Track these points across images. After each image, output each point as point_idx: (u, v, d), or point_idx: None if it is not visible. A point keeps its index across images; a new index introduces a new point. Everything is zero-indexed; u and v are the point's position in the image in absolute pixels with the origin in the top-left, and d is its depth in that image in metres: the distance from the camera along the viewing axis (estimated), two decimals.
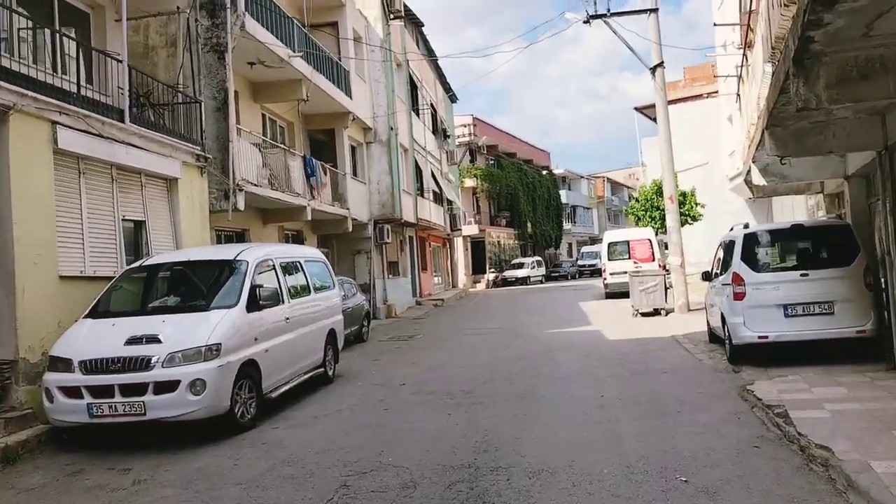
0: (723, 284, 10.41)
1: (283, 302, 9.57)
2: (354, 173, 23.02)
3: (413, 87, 28.27)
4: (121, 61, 10.54)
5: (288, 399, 9.58)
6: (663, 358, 11.66)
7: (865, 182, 11.41)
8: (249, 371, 8.34)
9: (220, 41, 14.04)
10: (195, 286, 9.16)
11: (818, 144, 8.68)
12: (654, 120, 47.02)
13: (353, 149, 23.15)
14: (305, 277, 10.74)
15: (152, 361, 7.58)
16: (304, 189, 17.56)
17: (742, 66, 14.39)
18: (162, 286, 9.40)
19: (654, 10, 19.77)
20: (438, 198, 32.58)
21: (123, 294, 9.16)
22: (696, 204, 37.07)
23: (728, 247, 10.81)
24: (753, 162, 11.67)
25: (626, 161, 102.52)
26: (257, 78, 17.29)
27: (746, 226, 10.18)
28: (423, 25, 30.68)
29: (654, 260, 26.79)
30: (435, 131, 32.87)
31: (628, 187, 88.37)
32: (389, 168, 23.61)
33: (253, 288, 8.71)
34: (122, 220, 10.58)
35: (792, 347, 9.69)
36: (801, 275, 9.41)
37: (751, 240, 9.84)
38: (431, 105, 32.04)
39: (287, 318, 9.57)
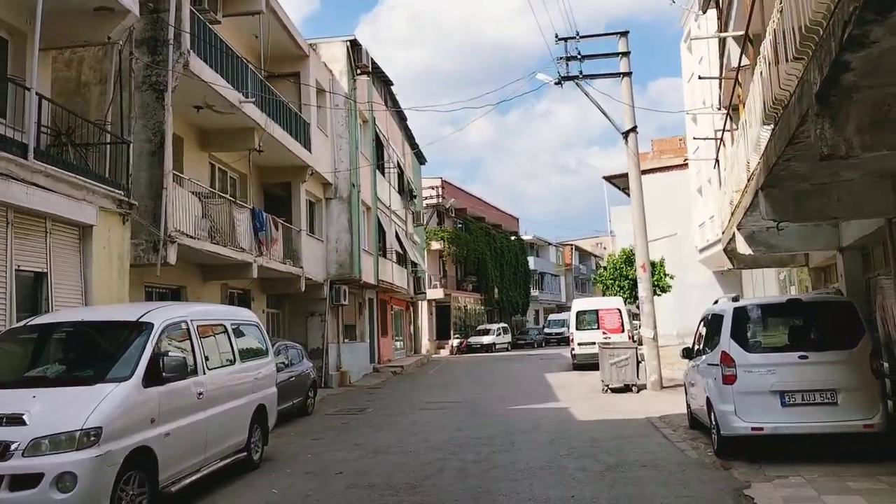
0: (709, 365, 9.17)
1: (197, 373, 8.05)
2: (311, 230, 21.68)
3: (379, 145, 27.31)
4: (28, 89, 9.19)
5: (197, 491, 7.96)
6: (641, 447, 10.27)
7: (862, 255, 10.42)
8: (141, 460, 6.76)
9: (159, 79, 12.84)
10: (86, 352, 7.63)
11: (820, 209, 7.62)
12: (624, 190, 46.89)
13: (310, 204, 21.88)
14: (231, 344, 9.24)
15: (11, 449, 6.01)
16: (251, 244, 16.15)
17: (724, 128, 13.58)
18: (50, 351, 7.84)
19: (628, 74, 19.14)
20: (402, 259, 31.31)
21: (1, 359, 7.59)
22: (665, 275, 36.38)
23: (713, 322, 9.62)
24: (738, 229, 10.63)
25: (594, 230, 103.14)
26: (206, 124, 16.07)
27: (735, 298, 9.00)
28: (391, 84, 29.99)
29: (623, 331, 25.66)
30: (401, 191, 31.84)
31: (596, 256, 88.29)
32: (349, 226, 22.34)
33: (155, 357, 7.19)
34: (17, 270, 9.05)
35: (790, 441, 8.41)
36: (800, 357, 8.21)
37: (741, 315, 8.66)
38: (398, 164, 31.11)
39: (201, 394, 8.03)
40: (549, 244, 73.97)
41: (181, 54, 12.86)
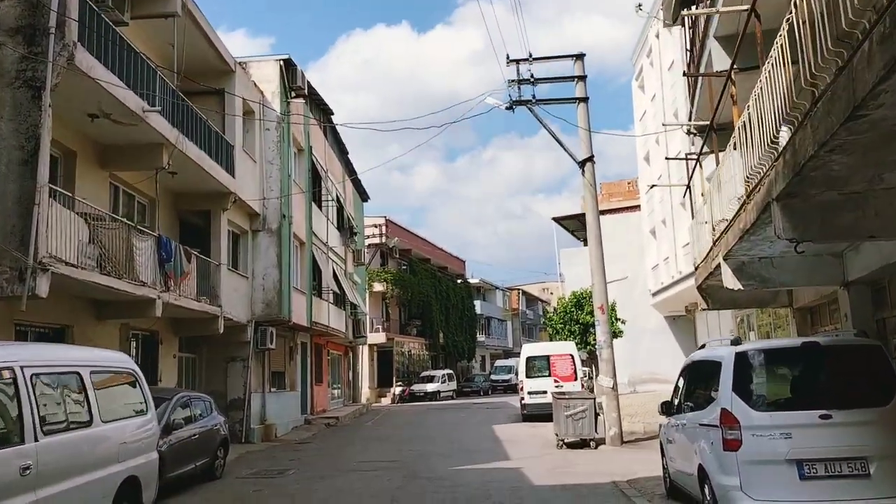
0: (701, 425, 7.34)
1: (21, 442, 5.81)
2: (234, 265, 19.40)
3: (316, 176, 25.31)
4: None
5: None
6: None
7: (872, 291, 8.85)
8: None
9: (36, 75, 10.65)
10: None
11: (853, 225, 5.96)
12: (573, 232, 45.84)
13: (234, 236, 19.64)
14: (87, 398, 7.00)
15: None
16: (155, 278, 13.85)
17: (700, 150, 12.11)
18: None
19: (584, 100, 17.76)
20: (340, 300, 29.07)
21: None
22: (617, 319, 35.00)
23: (703, 371, 7.85)
24: (726, 259, 8.95)
25: (542, 274, 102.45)
26: (105, 137, 13.85)
27: (736, 341, 7.22)
28: (332, 114, 28.21)
29: (576, 379, 23.87)
30: (340, 227, 29.78)
31: (543, 301, 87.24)
32: (279, 261, 20.13)
33: None
34: None
35: None
36: (822, 416, 6.45)
37: (745, 362, 6.88)
38: (337, 198, 29.10)
39: (26, 469, 5.78)
40: (496, 288, 72.48)
41: (65, 46, 10.72)
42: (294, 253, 22.30)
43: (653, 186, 21.79)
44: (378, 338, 42.43)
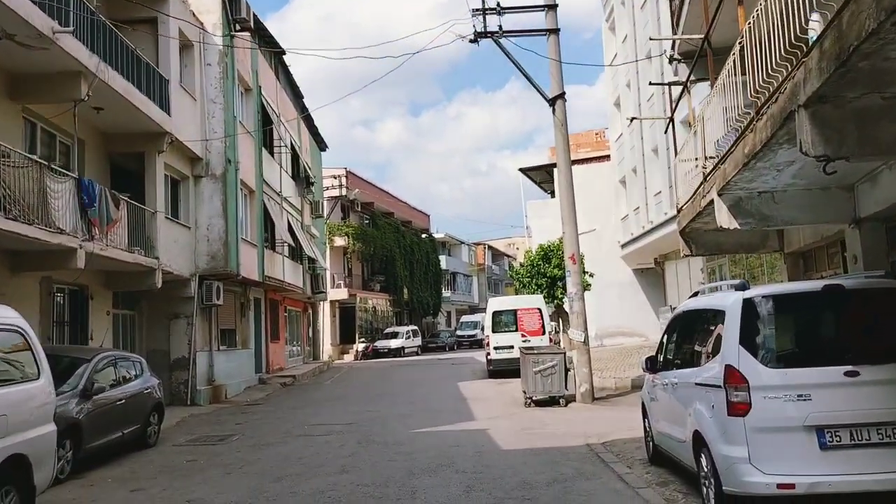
0: (698, 385, 6.21)
1: None
2: (175, 213, 17.79)
3: (267, 121, 23.54)
4: None
5: None
6: (591, 497, 7.26)
7: (885, 228, 7.76)
8: None
9: None
10: None
11: None
12: (541, 184, 44.60)
13: (174, 182, 17.98)
14: None
15: None
16: (76, 225, 12.28)
17: (688, 78, 10.84)
18: None
19: (555, 31, 16.31)
20: (296, 254, 27.58)
21: None
22: (585, 272, 34.09)
23: (700, 322, 6.72)
24: (721, 195, 7.75)
25: (508, 228, 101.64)
26: (13, 64, 12.09)
27: (742, 286, 6.03)
28: (283, 53, 26.26)
29: (544, 333, 22.94)
30: (295, 176, 28.10)
31: (509, 256, 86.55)
32: (224, 210, 18.53)
33: None
34: None
35: (834, 503, 5.54)
36: (847, 374, 5.35)
37: (754, 311, 5.70)
38: (292, 145, 27.35)
39: None
40: (462, 243, 71.38)
41: None
42: (242, 202, 20.71)
43: (633, 120, 20.44)
44: (340, 294, 41.12)
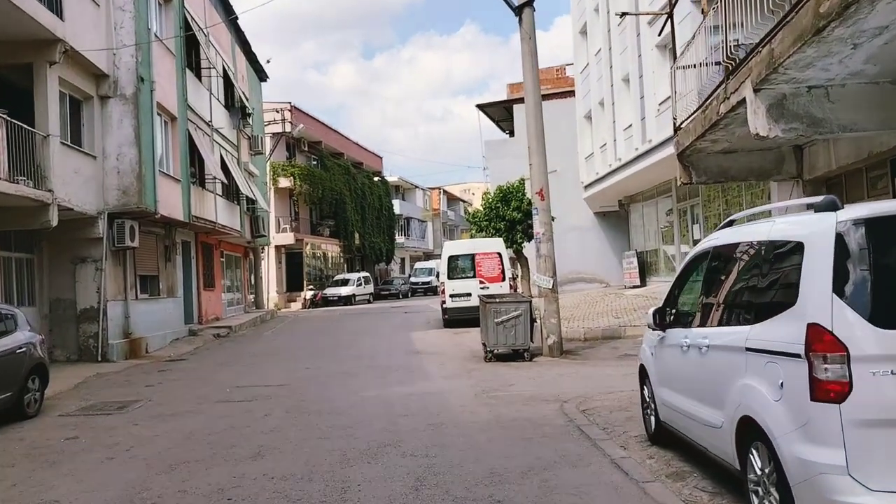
0: (753, 350, 4.26)
1: None
2: (77, 140, 15.15)
3: (193, 41, 20.68)
4: None
5: None
6: (582, 495, 5.37)
7: None
8: None
9: None
10: None
11: None
12: (499, 122, 42.19)
13: (74, 103, 15.27)
14: None
15: None
16: None
17: None
18: None
19: None
20: (232, 193, 25.00)
21: None
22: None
23: (750, 260, 4.73)
24: (758, 91, 5.72)
25: (462, 175, 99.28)
26: None
27: (832, 205, 3.99)
28: None
29: (504, 279, 21.11)
30: (230, 106, 25.30)
31: (465, 201, 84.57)
32: (137, 137, 15.90)
33: None
34: None
35: None
36: None
37: (853, 242, 3.71)
38: (224, 71, 24.46)
39: None
40: (416, 187, 68.98)
41: None
42: (161, 129, 18.06)
43: (624, 15, 18.04)
44: (286, 238, 38.66)
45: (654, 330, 6.18)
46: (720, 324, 4.90)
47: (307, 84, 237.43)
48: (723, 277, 5.04)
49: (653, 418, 6.58)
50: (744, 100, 5.96)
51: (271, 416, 9.11)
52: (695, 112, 8.39)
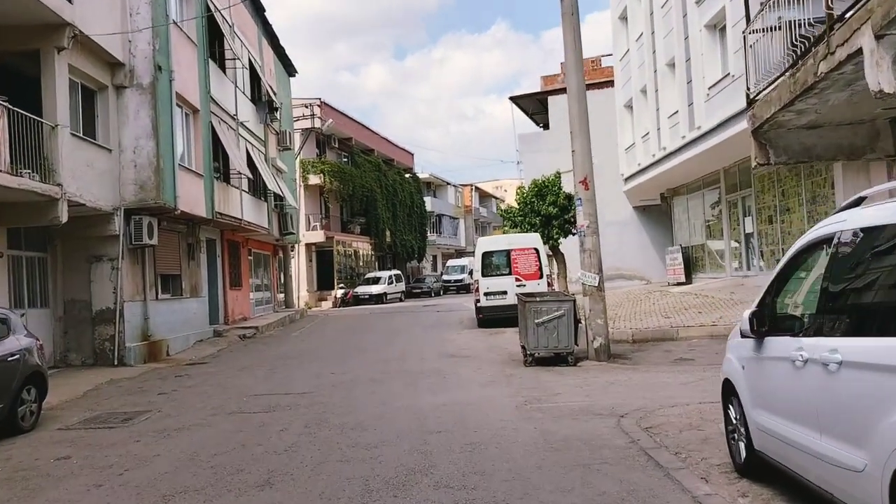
0: None
1: None
2: (91, 133, 14.36)
3: (215, 28, 19.85)
4: None
5: None
6: None
7: None
8: None
9: None
10: None
11: None
12: (532, 115, 40.83)
13: (87, 92, 14.48)
14: None
15: None
16: None
17: None
18: None
19: None
20: (259, 190, 24.18)
21: None
22: None
23: None
24: (881, 37, 4.48)
25: (494, 172, 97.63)
26: None
27: None
28: None
29: (541, 276, 19.93)
30: (256, 100, 24.47)
31: (497, 198, 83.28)
32: (154, 129, 15.07)
33: None
34: None
35: None
36: None
37: None
38: (251, 63, 23.64)
39: None
40: (448, 184, 67.90)
41: None
42: (182, 122, 17.25)
43: None
44: (316, 236, 37.91)
45: (749, 337, 4.97)
46: (859, 333, 3.70)
47: (340, 85, 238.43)
48: (861, 270, 3.82)
49: (742, 445, 5.37)
50: (857, 52, 4.77)
51: (288, 432, 8.08)
52: (778, 77, 7.13)
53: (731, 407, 5.64)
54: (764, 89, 7.81)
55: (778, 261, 19.29)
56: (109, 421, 9.35)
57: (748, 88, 8.57)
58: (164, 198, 15.22)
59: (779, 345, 4.59)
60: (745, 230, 21.17)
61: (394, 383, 11.28)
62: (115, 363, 14.54)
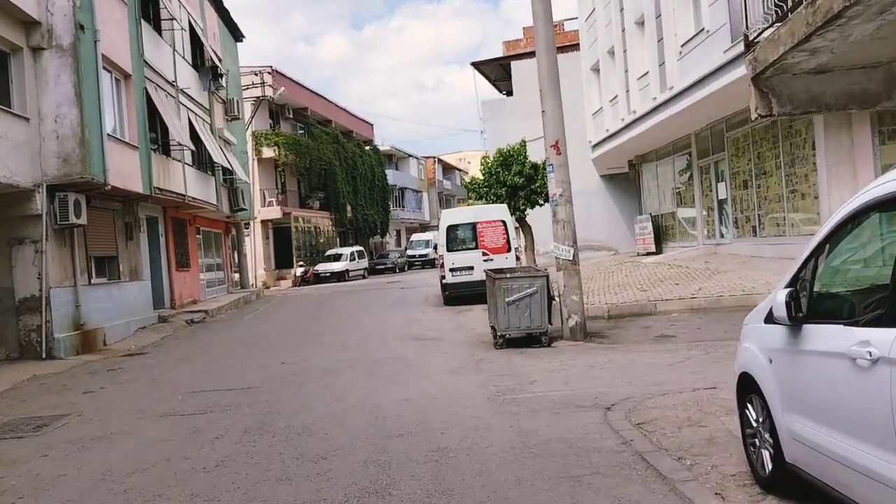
0: None
1: None
2: (6, 100, 12.79)
3: None
4: None
5: None
6: None
7: None
8: None
9: None
10: None
11: None
12: (495, 82, 39.50)
13: None
14: None
15: None
16: None
17: None
18: None
19: None
20: (206, 163, 22.62)
21: None
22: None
23: None
24: None
25: (457, 146, 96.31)
26: None
27: None
28: None
29: (509, 250, 18.92)
30: (199, 66, 22.79)
31: (460, 170, 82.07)
32: (78, 96, 13.51)
33: None
34: None
35: None
36: None
37: None
38: (192, 26, 21.92)
39: None
40: (410, 156, 66.40)
41: None
42: (112, 88, 15.67)
43: None
44: (272, 212, 36.38)
45: (783, 325, 3.94)
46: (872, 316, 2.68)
47: (297, 57, 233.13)
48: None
49: (767, 455, 4.38)
50: None
51: (223, 440, 6.92)
52: (792, 8, 6.06)
53: (750, 407, 4.63)
54: (769, 26, 6.77)
55: (754, 228, 18.50)
56: (19, 429, 8.06)
57: (746, 28, 7.50)
58: (92, 172, 13.73)
59: (827, 336, 3.56)
60: (717, 196, 20.40)
61: (351, 374, 10.15)
62: (44, 356, 13.13)
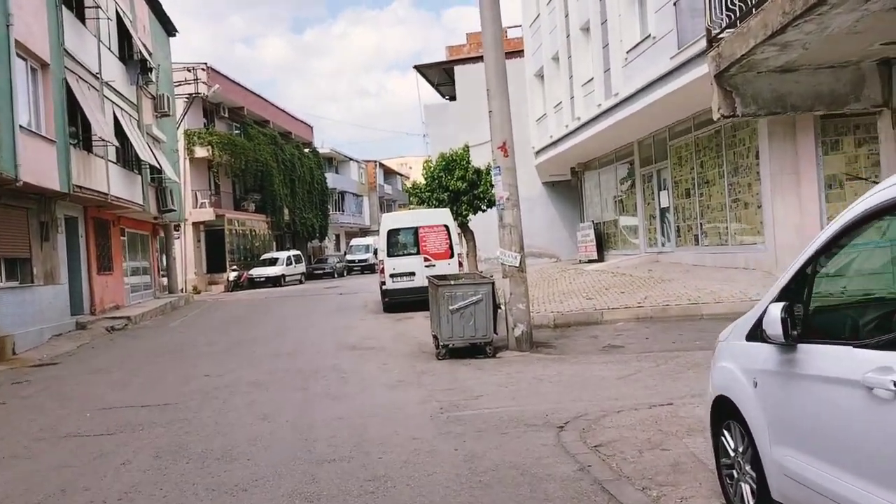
0: None
1: None
2: None
3: None
4: None
5: None
6: None
7: None
8: None
9: None
10: None
11: None
12: (438, 86, 39.01)
13: None
14: None
15: None
16: None
17: None
18: None
19: None
20: (131, 161, 21.34)
21: None
22: (492, 185, 29.56)
23: None
24: None
25: (398, 150, 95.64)
26: None
27: None
28: None
29: (452, 256, 18.37)
30: (126, 59, 21.52)
31: (402, 175, 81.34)
32: None
33: None
34: None
35: None
36: None
37: None
38: (119, 15, 20.66)
39: None
40: (351, 160, 65.34)
41: None
42: (27, 77, 14.47)
43: None
44: (205, 214, 34.94)
45: (774, 343, 3.44)
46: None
47: (235, 58, 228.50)
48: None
49: (747, 488, 3.89)
50: None
51: (130, 466, 6.10)
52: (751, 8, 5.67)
53: (727, 434, 4.14)
54: (736, 20, 6.39)
55: (696, 237, 18.40)
56: None
57: (709, 22, 7.14)
58: (2, 166, 12.55)
59: (831, 358, 3.07)
60: (660, 205, 20.32)
61: (281, 388, 9.38)
62: None
